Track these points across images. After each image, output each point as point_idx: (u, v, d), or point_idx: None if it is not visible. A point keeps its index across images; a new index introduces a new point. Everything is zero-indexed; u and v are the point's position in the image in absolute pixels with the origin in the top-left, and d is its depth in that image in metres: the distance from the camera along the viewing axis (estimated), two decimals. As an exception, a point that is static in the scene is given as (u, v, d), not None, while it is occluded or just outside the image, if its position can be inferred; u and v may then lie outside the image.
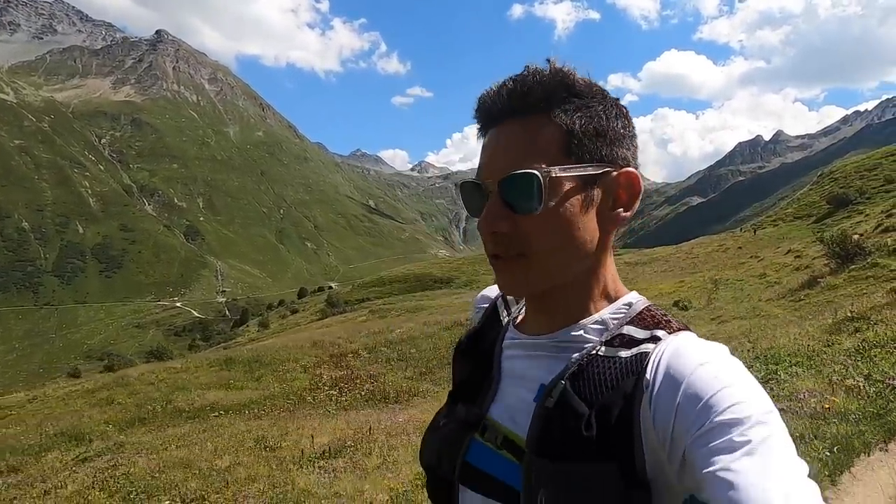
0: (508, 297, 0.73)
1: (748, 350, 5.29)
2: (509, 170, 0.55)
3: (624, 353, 0.55)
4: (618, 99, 0.60)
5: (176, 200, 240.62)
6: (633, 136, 0.61)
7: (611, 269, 0.62)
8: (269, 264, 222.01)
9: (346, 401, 10.13)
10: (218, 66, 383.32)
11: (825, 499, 2.47)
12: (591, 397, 0.53)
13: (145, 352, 52.01)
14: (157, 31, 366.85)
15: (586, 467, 0.50)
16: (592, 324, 0.59)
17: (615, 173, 0.58)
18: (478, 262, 62.74)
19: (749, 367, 4.38)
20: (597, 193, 0.57)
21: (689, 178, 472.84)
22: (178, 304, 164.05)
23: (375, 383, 10.98)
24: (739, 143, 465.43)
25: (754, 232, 34.77)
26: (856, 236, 15.14)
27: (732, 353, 0.51)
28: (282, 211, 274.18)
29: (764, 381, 3.96)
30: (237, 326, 75.40)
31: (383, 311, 32.97)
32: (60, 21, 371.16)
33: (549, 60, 0.58)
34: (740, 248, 32.05)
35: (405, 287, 60.38)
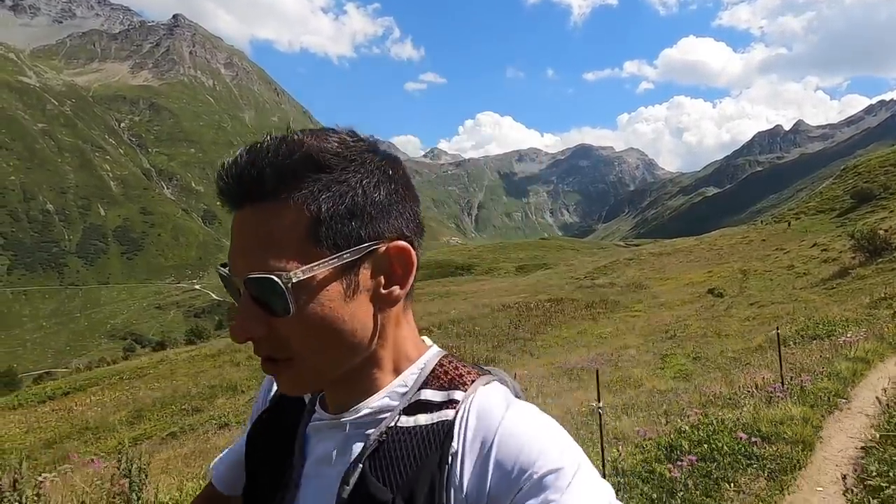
0: None
1: (805, 319, 6.95)
2: (248, 270, 0.46)
3: (423, 420, 0.51)
4: (384, 158, 0.52)
5: (193, 184, 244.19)
6: (406, 199, 0.52)
7: (407, 338, 0.56)
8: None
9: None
10: (233, 51, 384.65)
11: None
12: (395, 477, 0.49)
13: (185, 331, 54.91)
14: (174, 16, 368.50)
15: None
16: (398, 387, 0.54)
17: (383, 249, 0.50)
18: (497, 251, 64.40)
19: (812, 329, 6.36)
20: (363, 277, 0.49)
21: (704, 167, 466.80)
22: (196, 287, 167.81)
23: (459, 353, 12.85)
24: (758, 133, 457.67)
25: (788, 225, 35.66)
26: (881, 232, 16.50)
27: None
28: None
29: (826, 336, 5.67)
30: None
31: (416, 295, 34.82)
32: (79, 5, 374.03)
33: (288, 129, 0.50)
34: (764, 240, 33.28)
35: (427, 273, 62.37)
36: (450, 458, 0.48)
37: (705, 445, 3.63)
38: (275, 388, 0.65)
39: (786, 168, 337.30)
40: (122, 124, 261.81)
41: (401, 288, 0.51)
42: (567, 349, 12.28)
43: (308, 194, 0.47)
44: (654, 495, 3.02)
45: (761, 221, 55.05)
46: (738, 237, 37.42)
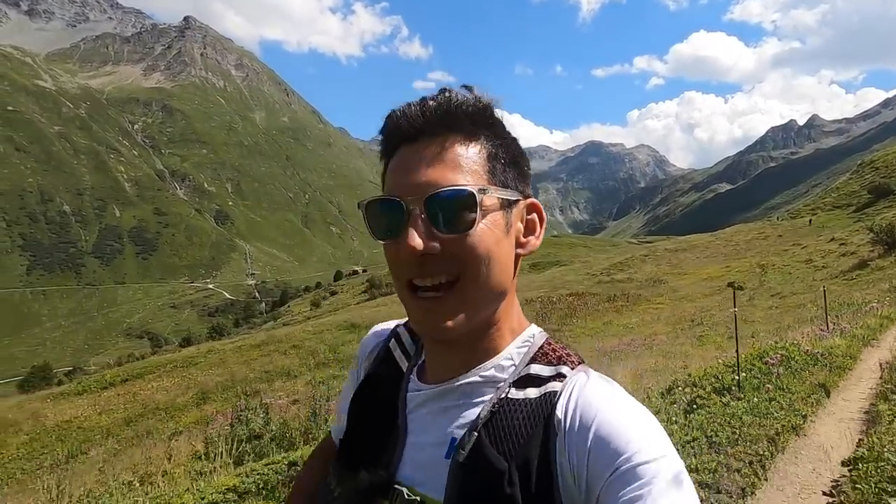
0: (403, 340, 0.67)
1: (833, 300, 7.60)
2: (438, 186, 0.51)
3: (533, 394, 0.54)
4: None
5: (206, 185, 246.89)
6: (530, 174, 0.61)
7: (516, 306, 0.60)
8: (296, 248, 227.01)
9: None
10: (244, 52, 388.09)
11: None
12: (508, 447, 0.51)
13: (202, 329, 56.47)
14: (185, 18, 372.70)
15: None
16: (504, 360, 0.57)
17: (527, 202, 0.58)
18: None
19: (841, 306, 7.13)
20: (515, 218, 0.56)
21: (716, 164, 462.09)
22: (210, 286, 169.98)
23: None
24: (771, 128, 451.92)
25: (809, 222, 35.72)
26: (900, 225, 16.86)
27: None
28: (307, 196, 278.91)
29: (858, 310, 6.36)
30: (277, 307, 78.97)
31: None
32: (92, 8, 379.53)
33: (466, 87, 0.56)
34: (780, 236, 33.44)
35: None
36: (556, 429, 0.51)
37: (783, 353, 5.48)
38: (369, 352, 0.69)
39: (800, 163, 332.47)
40: (136, 126, 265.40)
41: (535, 239, 0.58)
42: (596, 338, 12.82)
43: (487, 138, 0.55)
44: (760, 374, 4.94)
45: (777, 217, 54.95)
46: (753, 233, 37.52)
